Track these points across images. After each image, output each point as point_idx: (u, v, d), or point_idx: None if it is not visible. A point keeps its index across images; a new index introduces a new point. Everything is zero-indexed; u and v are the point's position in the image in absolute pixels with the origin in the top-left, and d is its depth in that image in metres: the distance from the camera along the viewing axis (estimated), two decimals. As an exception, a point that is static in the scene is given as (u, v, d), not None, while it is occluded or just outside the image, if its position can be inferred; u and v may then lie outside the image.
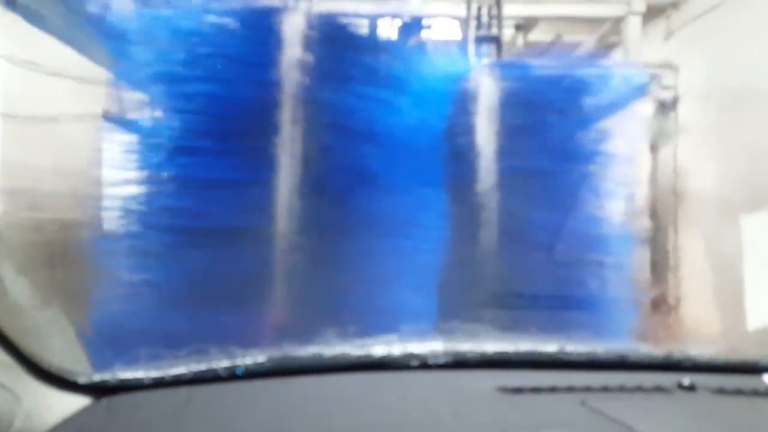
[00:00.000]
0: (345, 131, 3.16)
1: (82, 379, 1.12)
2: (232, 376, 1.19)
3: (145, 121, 3.02)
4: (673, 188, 3.91)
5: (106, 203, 2.98)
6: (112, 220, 2.97)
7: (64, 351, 1.19)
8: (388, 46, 3.78)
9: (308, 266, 3.00)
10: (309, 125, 3.11)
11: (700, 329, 3.37)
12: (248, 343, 1.30)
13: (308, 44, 3.16)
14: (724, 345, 3.21)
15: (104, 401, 1.11)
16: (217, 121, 3.02)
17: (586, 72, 3.50)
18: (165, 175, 3.01)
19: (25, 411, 1.04)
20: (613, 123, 3.39)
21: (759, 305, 3.13)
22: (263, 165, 3.08)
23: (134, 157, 2.99)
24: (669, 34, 4.71)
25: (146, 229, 2.95)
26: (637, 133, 3.61)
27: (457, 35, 4.80)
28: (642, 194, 3.78)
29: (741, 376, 1.25)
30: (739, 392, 1.18)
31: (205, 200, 2.98)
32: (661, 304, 3.47)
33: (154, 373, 1.18)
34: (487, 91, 3.39)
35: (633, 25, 4.72)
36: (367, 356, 1.29)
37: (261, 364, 1.22)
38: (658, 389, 1.18)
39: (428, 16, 4.93)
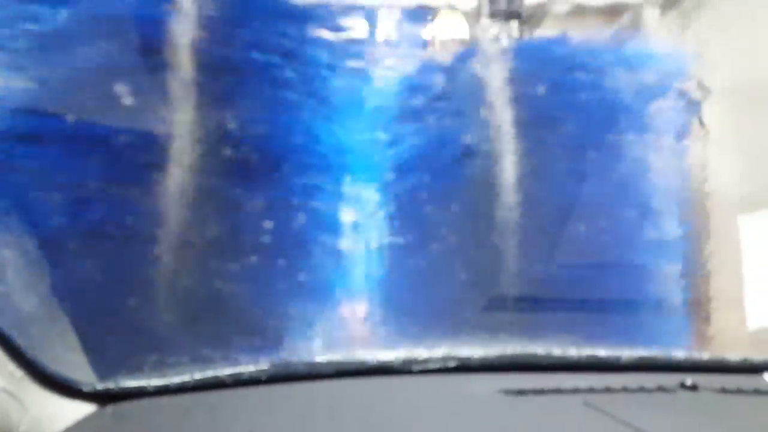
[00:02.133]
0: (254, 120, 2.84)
1: (86, 387, 1.21)
2: (236, 382, 1.28)
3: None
4: (701, 186, 3.92)
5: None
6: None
7: (68, 359, 1.28)
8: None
9: (204, 273, 2.70)
10: (208, 110, 2.75)
11: (728, 331, 3.42)
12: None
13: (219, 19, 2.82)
14: (751, 346, 3.29)
15: (109, 408, 1.20)
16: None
17: (624, 51, 3.43)
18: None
19: (31, 418, 1.12)
20: (648, 113, 3.38)
21: (759, 305, 3.24)
22: (147, 152, 2.73)
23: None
24: (685, 26, 4.79)
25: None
26: (667, 126, 3.59)
27: (465, 31, 4.75)
28: (671, 191, 3.76)
29: (743, 376, 1.35)
30: (741, 391, 1.27)
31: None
32: (694, 306, 3.48)
33: (157, 381, 1.26)
34: (503, 74, 3.30)
35: (651, 15, 4.80)
36: (370, 362, 1.38)
37: (265, 370, 1.31)
38: (661, 389, 1.27)
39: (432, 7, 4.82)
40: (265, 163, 2.85)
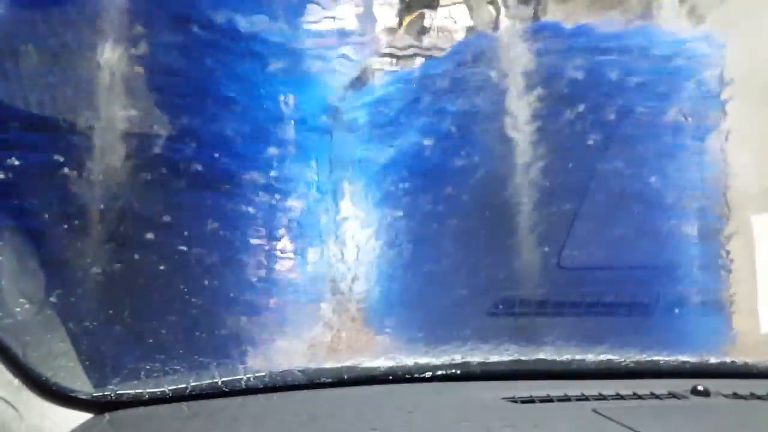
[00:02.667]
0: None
1: (83, 395, 1.21)
2: (232, 391, 1.28)
3: None
4: (723, 181, 3.85)
5: None
6: None
7: (64, 367, 1.28)
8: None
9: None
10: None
11: (741, 334, 3.36)
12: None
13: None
14: (764, 350, 3.23)
15: (106, 416, 1.20)
16: None
17: (642, 39, 3.36)
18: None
19: (28, 426, 1.12)
20: (667, 104, 3.31)
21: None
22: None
23: None
24: (698, 18, 4.72)
25: None
26: (686, 119, 3.51)
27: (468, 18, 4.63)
28: (687, 187, 3.69)
29: (756, 380, 1.32)
30: (754, 396, 1.25)
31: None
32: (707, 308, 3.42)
33: (153, 388, 1.26)
34: (520, 58, 3.21)
35: (668, 3, 4.74)
36: (375, 369, 1.37)
37: (262, 378, 1.30)
38: (672, 395, 1.25)
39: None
40: (266, 165, 2.84)
